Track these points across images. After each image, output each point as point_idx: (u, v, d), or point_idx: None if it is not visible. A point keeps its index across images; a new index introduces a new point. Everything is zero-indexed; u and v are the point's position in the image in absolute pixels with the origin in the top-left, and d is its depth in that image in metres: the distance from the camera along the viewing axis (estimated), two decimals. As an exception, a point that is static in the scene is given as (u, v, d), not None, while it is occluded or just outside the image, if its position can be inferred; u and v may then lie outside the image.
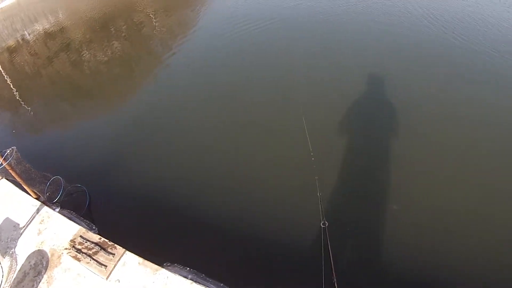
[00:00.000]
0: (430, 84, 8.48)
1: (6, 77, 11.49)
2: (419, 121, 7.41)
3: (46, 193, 6.08)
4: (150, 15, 14.96)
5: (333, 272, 4.04)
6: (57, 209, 5.68)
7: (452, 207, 5.74)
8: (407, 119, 7.49)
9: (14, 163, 5.49)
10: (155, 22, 14.38)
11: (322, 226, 4.78)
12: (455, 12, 12.03)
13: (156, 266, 4.60)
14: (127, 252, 4.81)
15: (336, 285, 3.95)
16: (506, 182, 6.13)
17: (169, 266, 4.69)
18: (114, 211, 6.23)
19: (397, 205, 5.80)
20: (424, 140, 7.02)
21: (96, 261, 4.68)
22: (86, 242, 4.95)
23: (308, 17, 12.71)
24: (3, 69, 12.05)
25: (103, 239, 4.99)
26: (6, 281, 4.63)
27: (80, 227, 5.23)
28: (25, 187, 5.69)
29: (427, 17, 11.76)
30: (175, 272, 4.55)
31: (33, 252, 4.95)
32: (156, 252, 4.91)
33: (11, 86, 10.95)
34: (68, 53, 12.26)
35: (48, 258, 4.87)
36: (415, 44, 10.33)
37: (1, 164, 5.20)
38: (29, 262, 4.83)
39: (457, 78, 8.63)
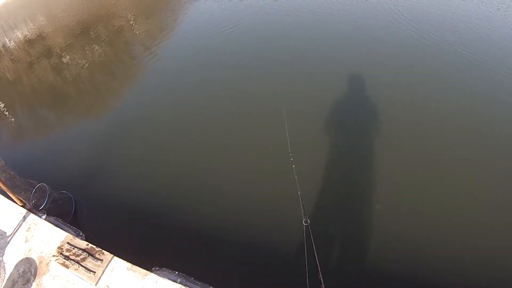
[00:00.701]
0: (409, 85, 8.74)
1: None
2: (399, 121, 7.63)
3: (32, 200, 6.09)
4: (130, 20, 14.87)
5: (318, 268, 4.15)
6: (44, 216, 5.67)
7: (435, 205, 6.00)
8: (388, 119, 7.71)
9: (-1, 171, 5.50)
10: (134, 26, 14.30)
11: (304, 224, 4.88)
12: (429, 13, 12.33)
13: (144, 271, 4.65)
14: (115, 257, 4.85)
15: (321, 280, 4.05)
16: (486, 182, 6.41)
17: (157, 270, 4.76)
18: (101, 217, 6.26)
19: (380, 204, 5.98)
20: (405, 139, 7.25)
21: (85, 267, 4.72)
22: (73, 248, 4.97)
23: (285, 21, 12.88)
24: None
25: (90, 245, 5.01)
26: (-5, 290, 4.65)
27: (67, 233, 5.24)
28: (11, 195, 5.66)
29: (401, 18, 12.04)
30: (164, 276, 4.61)
31: (21, 260, 4.96)
32: (145, 256, 4.97)
33: (-7, 94, 10.79)
34: (49, 59, 12.12)
35: (36, 265, 4.89)
36: (392, 45, 10.61)
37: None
38: (18, 270, 4.85)
39: (436, 79, 8.91)
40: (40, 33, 14.33)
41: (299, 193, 5.23)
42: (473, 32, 11.08)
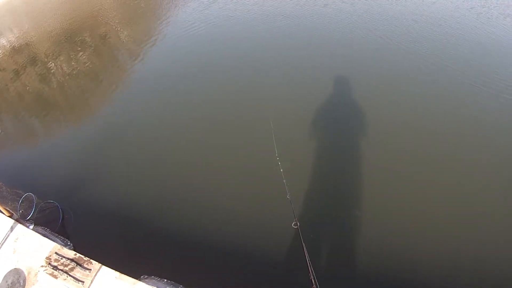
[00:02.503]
0: (394, 88, 8.89)
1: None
2: (385, 122, 7.79)
3: (19, 210, 6.09)
4: (115, 26, 14.85)
5: (310, 268, 4.24)
6: (31, 226, 5.68)
7: (422, 206, 6.11)
8: (373, 121, 7.85)
9: (-16, 181, 5.49)
10: (120, 32, 14.30)
11: (294, 226, 4.97)
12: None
13: (133, 280, 4.66)
14: (103, 266, 4.87)
15: (313, 281, 4.14)
16: (473, 181, 6.56)
17: (146, 278, 4.80)
18: (88, 226, 6.28)
19: (359, 211, 6.12)
20: (392, 141, 7.38)
21: (73, 277, 4.74)
22: (61, 258, 4.99)
23: (273, 25, 12.96)
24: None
25: (78, 254, 5.03)
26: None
27: (55, 243, 5.25)
28: (-3, 205, 5.68)
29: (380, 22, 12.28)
30: (152, 284, 4.64)
31: (10, 271, 4.96)
32: (133, 265, 4.97)
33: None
34: (35, 67, 12.07)
35: (25, 276, 4.90)
36: (374, 50, 10.77)
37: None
38: (6, 282, 4.85)
39: (418, 81, 9.09)
40: (26, 40, 14.26)
41: (288, 197, 5.33)
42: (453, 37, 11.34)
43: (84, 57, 12.43)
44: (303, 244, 4.55)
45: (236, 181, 6.91)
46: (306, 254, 4.38)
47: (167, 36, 13.47)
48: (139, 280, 4.70)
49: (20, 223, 5.66)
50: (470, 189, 6.44)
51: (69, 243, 5.44)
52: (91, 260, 4.96)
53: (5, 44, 14.18)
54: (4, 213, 5.75)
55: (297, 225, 4.88)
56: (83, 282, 4.69)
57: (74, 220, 6.36)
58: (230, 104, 8.94)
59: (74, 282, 4.68)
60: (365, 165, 6.90)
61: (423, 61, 9.98)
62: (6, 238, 5.40)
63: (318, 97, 8.71)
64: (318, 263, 5.34)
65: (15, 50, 13.55)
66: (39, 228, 5.69)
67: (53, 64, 12.08)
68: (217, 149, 7.64)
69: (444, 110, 8.12)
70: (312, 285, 4.07)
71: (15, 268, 5.00)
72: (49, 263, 4.94)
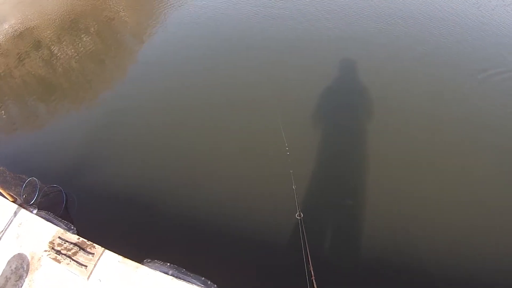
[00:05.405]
0: (401, 78, 8.67)
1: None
2: (391, 114, 7.61)
3: (23, 195, 6.05)
4: (120, 10, 14.63)
5: (309, 259, 4.22)
6: (35, 211, 5.66)
7: (427, 197, 6.03)
8: (380, 111, 7.69)
9: (-13, 166, 5.47)
10: (125, 17, 14.08)
11: (297, 217, 4.94)
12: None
13: (136, 264, 4.65)
14: (106, 251, 4.85)
15: (312, 272, 4.13)
16: (482, 168, 6.48)
17: (149, 262, 4.77)
18: (91, 210, 6.26)
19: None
20: (397, 133, 7.23)
21: (76, 261, 4.73)
22: (65, 243, 4.98)
23: (277, 11, 12.52)
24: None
25: (81, 239, 5.01)
26: (-12, 287, 4.68)
27: (58, 228, 5.23)
28: (1, 191, 5.62)
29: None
30: (155, 268, 4.62)
31: (14, 256, 4.97)
32: (136, 249, 4.98)
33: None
34: (39, 51, 11.92)
35: (28, 261, 4.90)
36: (383, 35, 10.49)
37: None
38: (10, 267, 4.86)
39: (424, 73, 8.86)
40: (29, 26, 14.10)
41: (293, 187, 5.27)
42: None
43: (89, 42, 12.25)
44: (304, 234, 4.54)
45: (241, 167, 6.82)
46: (306, 245, 4.36)
47: (172, 18, 13.12)
48: (142, 264, 4.69)
49: (24, 208, 5.64)
50: (479, 176, 6.37)
51: (72, 227, 5.41)
52: (94, 244, 4.94)
53: (8, 30, 14.04)
54: (7, 198, 5.73)
55: (300, 216, 4.85)
56: (86, 266, 4.67)
57: (78, 204, 6.33)
58: (237, 90, 8.72)
59: (77, 267, 4.66)
60: (376, 157, 6.74)
61: (435, 45, 9.75)
62: (10, 223, 5.40)
63: (328, 84, 8.50)
64: (319, 254, 5.26)
65: (18, 36, 13.43)
66: (43, 213, 5.66)
67: (57, 49, 11.96)
68: (223, 134, 7.52)
69: (453, 96, 7.95)
70: (312, 276, 4.06)
71: (18, 253, 5.00)
72: (53, 248, 4.93)
